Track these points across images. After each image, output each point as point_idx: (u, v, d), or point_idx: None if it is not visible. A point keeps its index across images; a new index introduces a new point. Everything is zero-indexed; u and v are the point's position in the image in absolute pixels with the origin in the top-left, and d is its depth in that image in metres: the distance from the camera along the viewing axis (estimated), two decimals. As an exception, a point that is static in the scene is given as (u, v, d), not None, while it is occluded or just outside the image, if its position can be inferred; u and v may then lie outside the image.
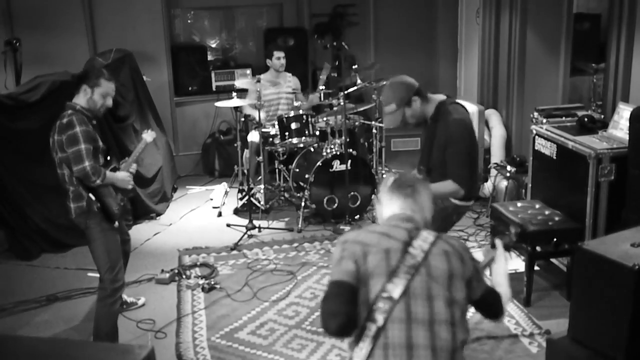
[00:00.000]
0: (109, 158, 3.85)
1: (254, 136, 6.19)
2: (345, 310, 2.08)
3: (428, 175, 3.74)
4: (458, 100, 3.86)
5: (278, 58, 6.38)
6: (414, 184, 2.44)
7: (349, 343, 2.19)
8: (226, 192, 6.57)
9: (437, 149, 3.64)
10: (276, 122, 5.99)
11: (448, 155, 3.57)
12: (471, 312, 4.17)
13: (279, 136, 5.94)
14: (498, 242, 2.68)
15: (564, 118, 4.98)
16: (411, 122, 3.66)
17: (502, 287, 2.47)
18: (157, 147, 6.48)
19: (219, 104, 6.20)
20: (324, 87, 6.31)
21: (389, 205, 2.41)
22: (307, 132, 5.90)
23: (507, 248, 2.75)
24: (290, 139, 5.89)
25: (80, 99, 3.70)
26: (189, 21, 7.69)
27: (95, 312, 3.86)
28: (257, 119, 5.77)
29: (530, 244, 4.25)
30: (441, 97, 3.70)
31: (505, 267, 2.59)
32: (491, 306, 2.37)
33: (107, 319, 3.83)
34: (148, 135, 4.28)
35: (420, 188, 2.43)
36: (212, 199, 6.57)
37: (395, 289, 2.10)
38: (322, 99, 6.33)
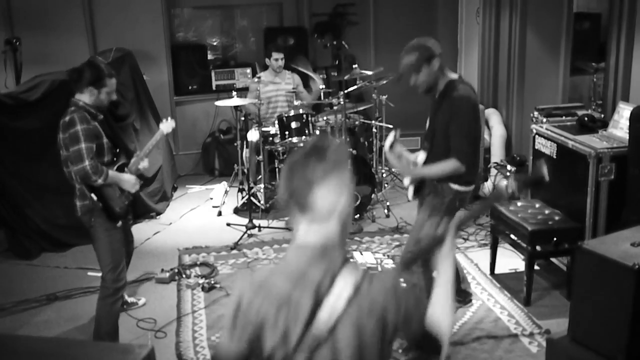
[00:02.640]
0: (117, 155, 3.83)
1: (253, 135, 6.18)
2: None
3: (430, 152, 3.72)
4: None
5: (276, 59, 6.38)
6: (326, 155, 1.74)
7: None
8: (226, 192, 6.57)
9: (440, 125, 3.62)
10: (276, 121, 5.99)
11: (451, 131, 3.54)
12: (471, 311, 4.21)
13: (279, 135, 5.94)
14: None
15: (564, 117, 4.98)
16: (421, 84, 3.59)
17: (440, 317, 1.83)
18: (158, 147, 6.47)
19: (219, 103, 6.20)
20: (324, 78, 6.33)
21: (295, 219, 1.78)
22: (307, 131, 5.89)
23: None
24: (290, 138, 5.88)
25: (85, 97, 3.67)
26: (189, 20, 7.69)
27: (97, 311, 3.86)
28: (257, 117, 5.77)
29: (530, 243, 4.25)
30: (454, 75, 3.67)
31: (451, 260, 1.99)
32: (425, 346, 1.84)
33: (108, 318, 3.83)
34: (166, 126, 4.23)
35: (336, 160, 1.76)
36: (212, 198, 6.57)
37: None
38: (324, 86, 6.33)
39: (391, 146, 3.61)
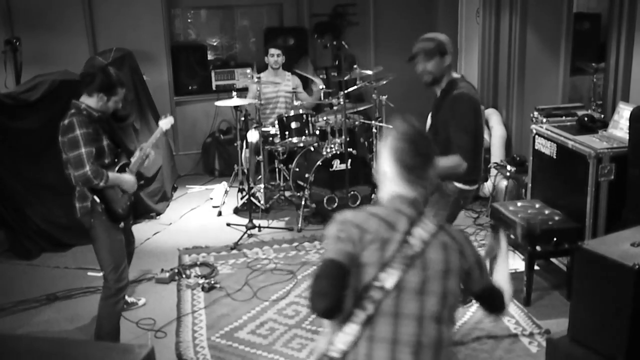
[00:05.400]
0: (118, 155, 3.83)
1: (252, 135, 6.19)
2: (336, 293, 1.99)
3: None
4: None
5: (272, 55, 6.39)
6: (428, 151, 2.19)
7: (331, 324, 2.11)
8: (226, 192, 6.57)
9: (442, 124, 3.61)
10: (276, 122, 5.99)
11: (451, 129, 3.51)
12: (471, 311, 4.21)
13: (278, 135, 5.94)
14: (502, 237, 2.55)
15: (564, 117, 4.99)
16: (428, 74, 3.60)
17: (504, 285, 2.36)
18: (157, 147, 6.47)
19: (219, 103, 6.20)
20: (324, 78, 6.33)
21: (394, 179, 2.18)
22: (307, 131, 5.90)
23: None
24: (290, 138, 5.89)
25: (91, 102, 3.67)
26: (189, 20, 7.70)
27: (98, 311, 3.85)
28: (257, 117, 5.77)
29: (530, 243, 4.25)
30: (457, 75, 3.69)
31: (507, 265, 2.51)
32: (492, 301, 2.29)
33: (109, 319, 3.83)
34: (164, 122, 4.26)
35: (433, 156, 2.21)
36: (212, 199, 6.57)
37: (388, 280, 2.02)
38: (324, 86, 6.32)
39: None
